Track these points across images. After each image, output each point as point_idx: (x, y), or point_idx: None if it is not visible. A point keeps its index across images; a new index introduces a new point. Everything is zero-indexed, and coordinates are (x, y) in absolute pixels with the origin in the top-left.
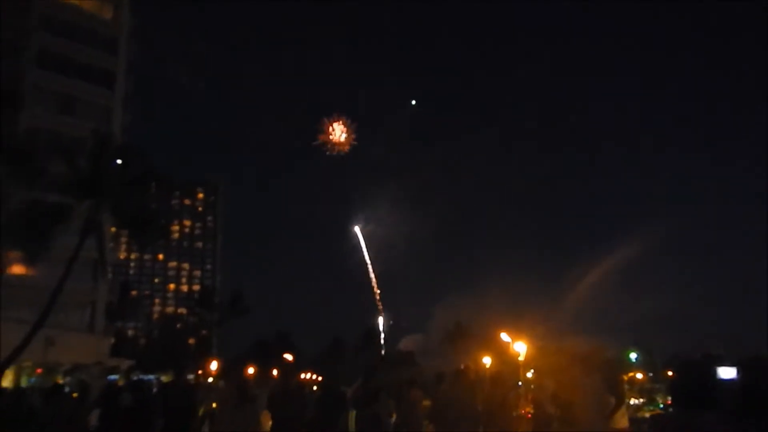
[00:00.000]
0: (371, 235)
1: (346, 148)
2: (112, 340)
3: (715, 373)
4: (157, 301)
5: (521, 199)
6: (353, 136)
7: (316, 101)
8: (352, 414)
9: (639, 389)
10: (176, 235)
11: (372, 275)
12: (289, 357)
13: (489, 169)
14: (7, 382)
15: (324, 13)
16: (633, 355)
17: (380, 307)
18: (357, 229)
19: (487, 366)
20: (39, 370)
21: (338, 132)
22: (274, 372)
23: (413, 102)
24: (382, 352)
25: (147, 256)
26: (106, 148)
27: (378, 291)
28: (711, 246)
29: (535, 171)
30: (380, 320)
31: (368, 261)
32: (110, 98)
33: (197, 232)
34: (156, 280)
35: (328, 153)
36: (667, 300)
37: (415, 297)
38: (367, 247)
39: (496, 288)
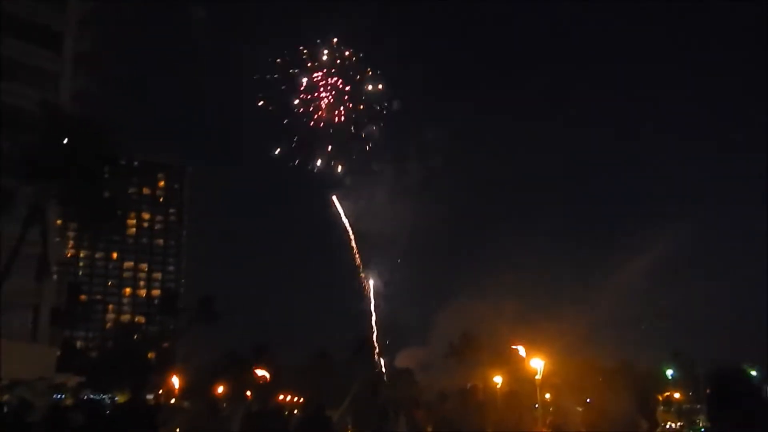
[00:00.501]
0: (365, 232)
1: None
2: (59, 352)
3: (756, 382)
4: (110, 307)
5: (541, 188)
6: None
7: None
8: None
9: (677, 411)
10: (133, 230)
11: (359, 264)
12: (266, 373)
13: (506, 153)
14: None
15: None
16: (670, 371)
17: (373, 311)
18: (335, 198)
19: (499, 385)
20: None
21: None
22: (248, 392)
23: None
24: (382, 368)
25: (99, 254)
26: (54, 122)
27: (368, 286)
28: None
29: (560, 157)
30: (374, 328)
31: (354, 248)
32: (58, 62)
33: (158, 226)
34: (110, 283)
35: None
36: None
37: (415, 301)
38: (353, 229)
39: (509, 292)
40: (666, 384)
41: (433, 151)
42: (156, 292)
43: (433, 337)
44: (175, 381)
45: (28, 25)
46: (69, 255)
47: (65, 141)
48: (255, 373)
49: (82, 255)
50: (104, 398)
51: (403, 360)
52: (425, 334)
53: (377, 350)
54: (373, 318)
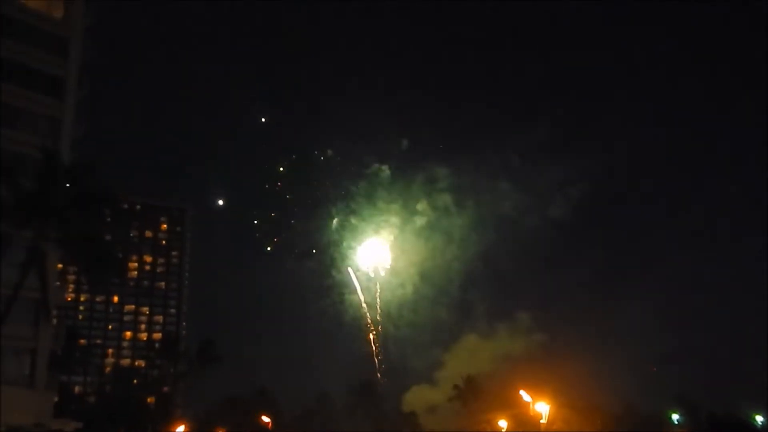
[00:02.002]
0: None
1: None
2: (56, 397)
3: (761, 429)
4: (110, 351)
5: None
6: None
7: (304, 107)
8: None
9: None
10: (134, 273)
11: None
12: (267, 419)
13: (520, 185)
14: None
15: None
16: (676, 416)
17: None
18: (350, 270)
19: (503, 429)
20: None
21: None
22: None
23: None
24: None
25: (99, 298)
26: (53, 167)
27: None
28: None
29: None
30: (377, 371)
31: (364, 305)
32: (59, 108)
33: (159, 269)
34: (109, 327)
35: None
36: (723, 347)
37: (420, 343)
38: (362, 288)
39: (514, 336)
40: (672, 429)
41: (439, 192)
42: (157, 336)
43: (439, 379)
44: (178, 428)
45: (29, 72)
46: (69, 299)
47: (65, 185)
48: (260, 419)
49: (82, 299)
50: None
51: (407, 403)
52: (431, 376)
53: (380, 394)
54: (377, 361)
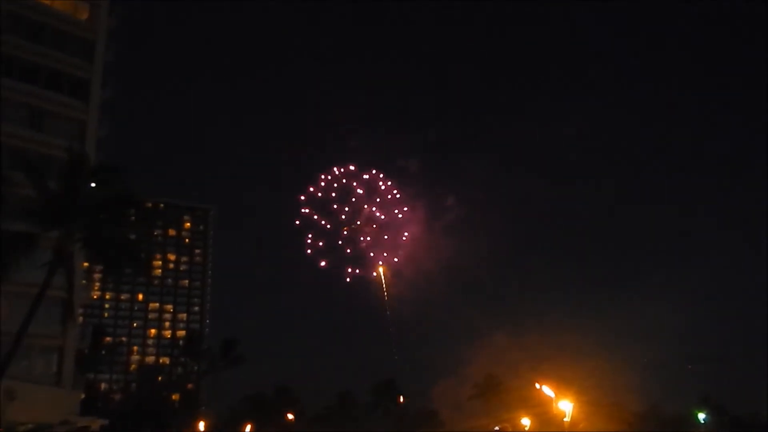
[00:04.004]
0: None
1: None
2: (82, 395)
3: None
4: (135, 348)
5: (570, 229)
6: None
7: (328, 107)
8: None
9: None
10: (158, 272)
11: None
12: (290, 416)
13: (547, 193)
14: None
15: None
16: (702, 415)
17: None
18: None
19: (526, 427)
20: None
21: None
22: None
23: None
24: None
25: (124, 296)
26: (79, 168)
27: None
28: None
29: (597, 201)
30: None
31: (387, 307)
32: (84, 110)
33: (183, 267)
34: (134, 324)
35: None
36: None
37: (442, 340)
38: (387, 287)
39: (536, 333)
40: (698, 429)
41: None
42: (181, 333)
43: (460, 377)
44: (201, 424)
45: (55, 74)
46: (95, 297)
47: (91, 186)
48: (284, 416)
49: (108, 297)
50: None
51: (427, 401)
52: (452, 373)
53: (401, 392)
54: (398, 359)
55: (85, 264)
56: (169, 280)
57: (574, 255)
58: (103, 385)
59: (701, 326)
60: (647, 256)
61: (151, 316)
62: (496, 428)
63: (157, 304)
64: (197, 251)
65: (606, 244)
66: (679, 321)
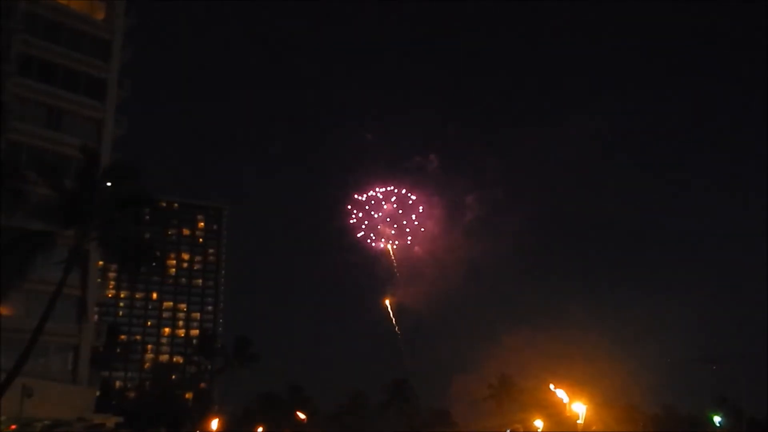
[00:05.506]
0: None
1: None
2: (97, 392)
3: None
4: (149, 347)
5: (584, 230)
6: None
7: (343, 105)
8: None
9: None
10: (173, 271)
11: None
12: (302, 416)
13: (568, 192)
14: None
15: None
16: (718, 418)
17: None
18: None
19: (539, 429)
20: (13, 426)
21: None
22: None
23: None
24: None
25: (139, 295)
26: (95, 168)
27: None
28: None
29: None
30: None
31: (397, 329)
32: (101, 110)
33: (197, 267)
34: (149, 323)
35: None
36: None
37: (455, 341)
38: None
39: (550, 334)
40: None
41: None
42: (195, 332)
43: (474, 377)
44: (214, 423)
45: (71, 74)
46: (110, 296)
47: (106, 186)
48: (296, 414)
49: (122, 295)
50: None
51: (440, 401)
52: (466, 373)
53: (413, 392)
54: (410, 360)
55: (101, 263)
56: (183, 280)
57: (591, 256)
58: (117, 383)
59: (720, 325)
60: (666, 255)
61: (165, 314)
62: (508, 430)
63: (171, 303)
64: (211, 250)
65: (624, 243)
66: (695, 320)
